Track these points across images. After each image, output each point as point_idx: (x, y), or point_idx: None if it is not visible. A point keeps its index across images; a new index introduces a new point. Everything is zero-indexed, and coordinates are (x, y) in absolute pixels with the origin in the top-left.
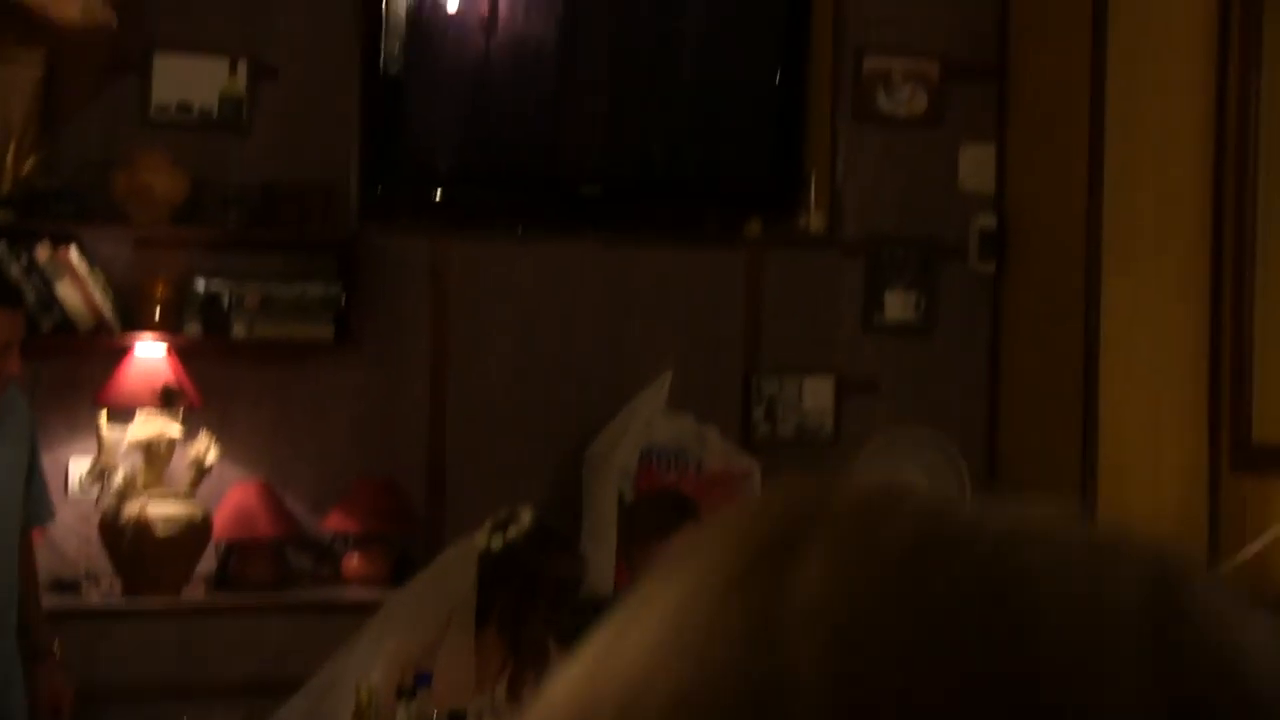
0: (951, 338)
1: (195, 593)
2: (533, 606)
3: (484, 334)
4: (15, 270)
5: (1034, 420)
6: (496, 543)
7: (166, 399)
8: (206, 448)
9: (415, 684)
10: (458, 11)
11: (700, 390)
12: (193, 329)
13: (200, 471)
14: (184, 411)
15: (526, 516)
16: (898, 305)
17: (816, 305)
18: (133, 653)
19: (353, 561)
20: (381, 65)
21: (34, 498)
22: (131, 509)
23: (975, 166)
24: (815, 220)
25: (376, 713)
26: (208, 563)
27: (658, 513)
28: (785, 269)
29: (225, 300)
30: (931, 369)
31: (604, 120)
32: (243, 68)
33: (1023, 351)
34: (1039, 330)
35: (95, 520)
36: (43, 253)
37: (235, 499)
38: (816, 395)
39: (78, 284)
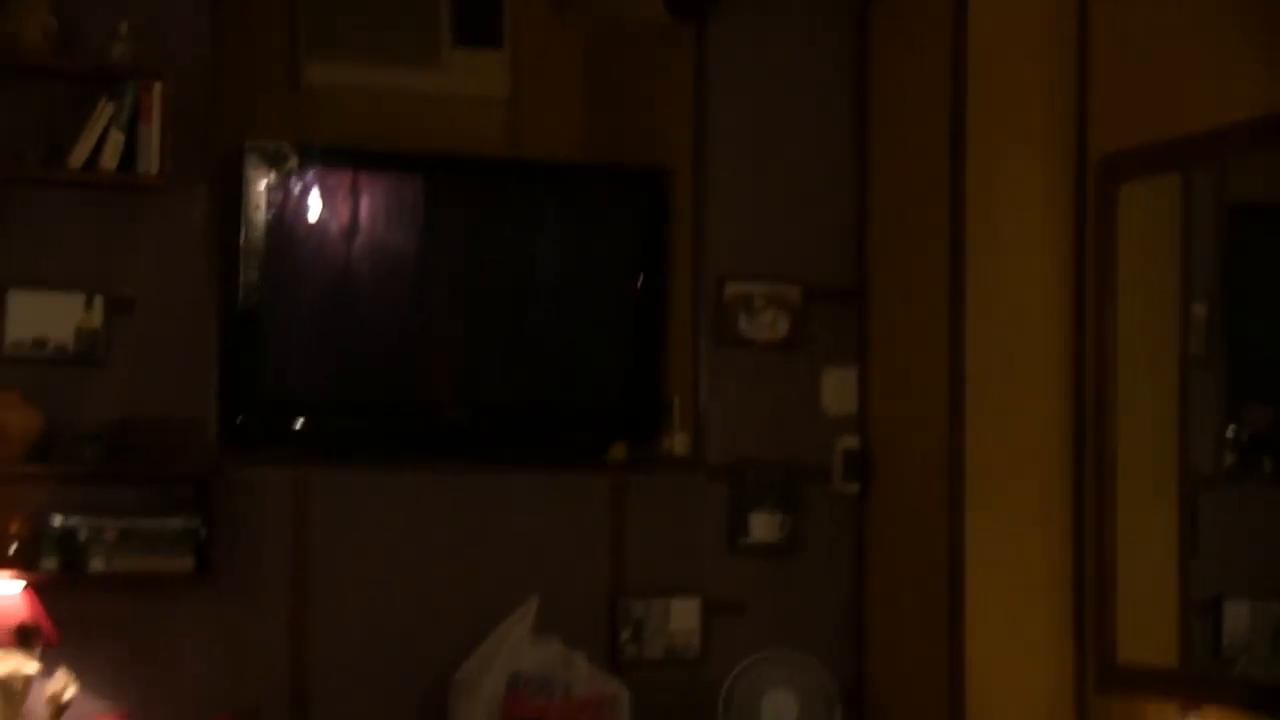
0: (817, 558)
1: None
2: None
3: (346, 562)
4: None
5: (901, 641)
6: None
7: (23, 637)
8: (64, 684)
9: None
10: (314, 241)
11: (567, 614)
12: (49, 564)
13: (59, 708)
14: (41, 649)
15: None
16: (762, 526)
17: (682, 527)
18: None
19: None
20: (239, 296)
21: None
22: None
23: (838, 389)
24: (679, 443)
25: None
26: None
27: None
28: (650, 492)
29: (82, 535)
30: (798, 590)
31: (464, 347)
32: (99, 302)
33: (888, 572)
34: (904, 551)
35: None
36: None
37: None
38: (683, 617)
39: None
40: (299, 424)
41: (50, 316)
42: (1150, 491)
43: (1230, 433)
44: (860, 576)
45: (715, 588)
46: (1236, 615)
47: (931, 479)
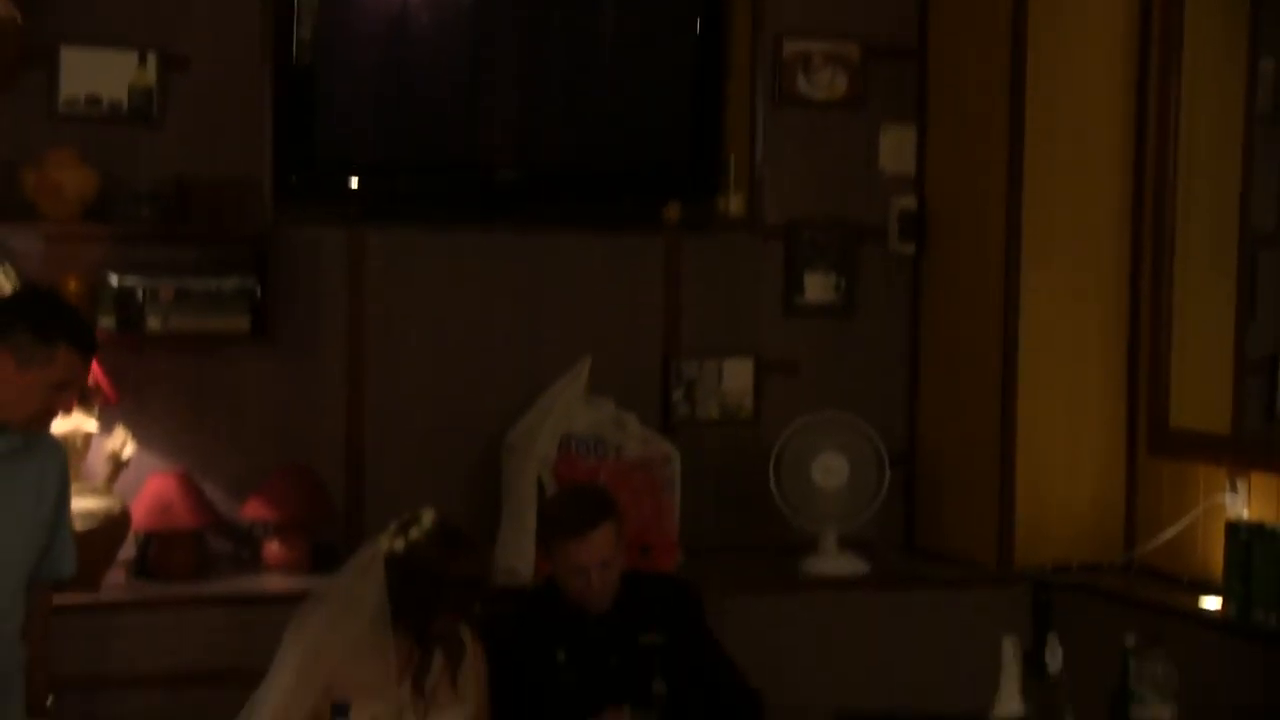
0: (872, 319)
1: (117, 583)
2: (438, 606)
3: (401, 323)
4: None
5: (953, 402)
6: (399, 545)
7: (82, 395)
8: (123, 441)
9: (334, 715)
10: None
11: (620, 375)
12: (106, 323)
13: (117, 465)
14: (99, 406)
15: (428, 518)
16: (818, 287)
17: (736, 288)
18: (54, 647)
19: (272, 548)
20: (294, 53)
21: (55, 552)
22: None
23: (896, 148)
24: (735, 204)
25: None
26: (128, 553)
27: (575, 509)
28: (705, 253)
29: (139, 295)
30: (851, 350)
31: (520, 106)
32: (152, 59)
33: (942, 333)
34: (959, 312)
35: None
36: None
37: (153, 490)
38: (736, 377)
39: None
40: (354, 183)
41: (103, 74)
42: (1209, 251)
43: None
44: (914, 338)
45: (769, 348)
46: None
47: (988, 240)
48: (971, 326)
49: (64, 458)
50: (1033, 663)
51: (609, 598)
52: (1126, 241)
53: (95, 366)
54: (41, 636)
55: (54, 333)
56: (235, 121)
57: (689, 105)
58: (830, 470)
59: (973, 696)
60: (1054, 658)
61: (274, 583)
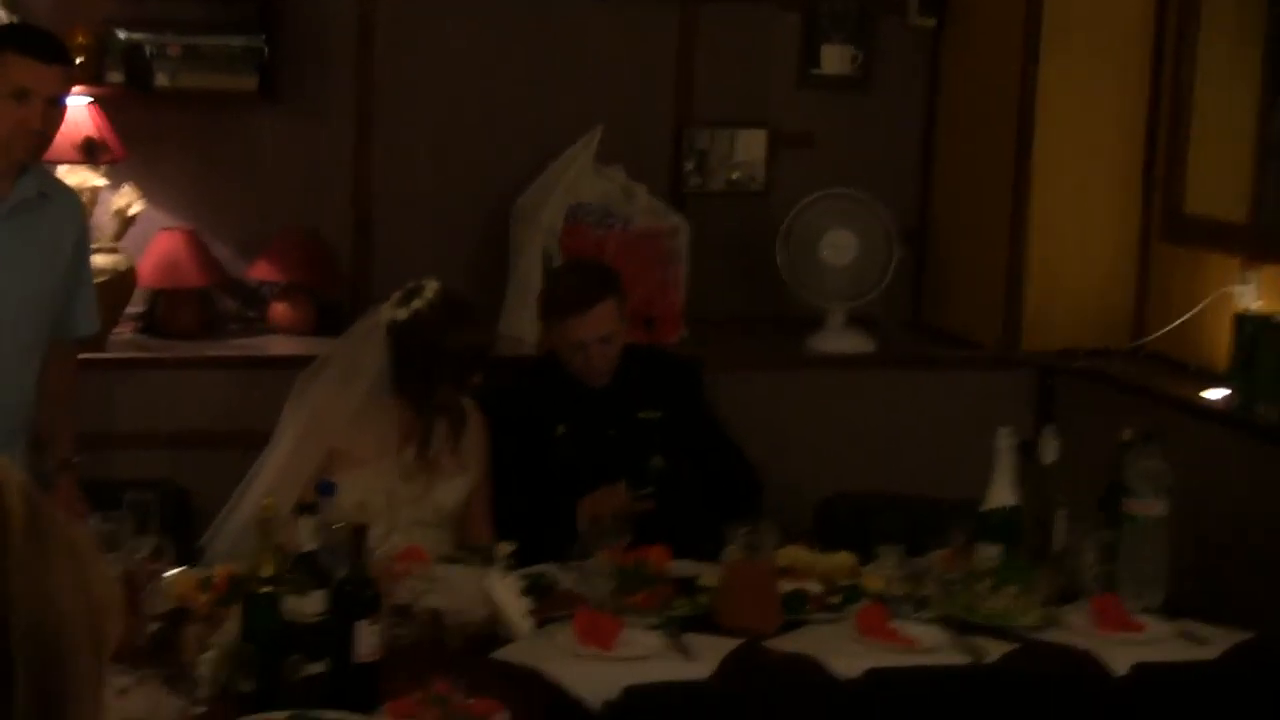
0: (889, 93)
1: (124, 339)
2: (437, 376)
3: (410, 87)
4: None
5: (967, 181)
6: (402, 314)
7: (89, 151)
8: (131, 199)
9: (319, 494)
10: None
11: (630, 145)
12: (115, 78)
13: (125, 221)
14: (107, 163)
15: (432, 288)
16: (834, 59)
17: (751, 58)
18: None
19: (279, 309)
20: None
21: (75, 307)
22: None
23: None
24: None
25: (279, 526)
26: (135, 310)
27: (576, 285)
28: (720, 21)
29: (147, 50)
30: (866, 125)
31: None
32: None
33: (959, 110)
34: (976, 89)
35: None
36: None
37: (161, 247)
38: (749, 149)
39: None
40: None
41: None
42: (1234, 29)
43: None
44: (930, 115)
45: (783, 120)
46: None
47: (1009, 16)
48: (988, 105)
49: (82, 210)
50: (1030, 451)
51: (609, 373)
52: (1151, 19)
53: (98, 119)
54: (69, 392)
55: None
56: None
57: None
58: (839, 246)
59: (971, 482)
60: (1049, 448)
61: (279, 345)
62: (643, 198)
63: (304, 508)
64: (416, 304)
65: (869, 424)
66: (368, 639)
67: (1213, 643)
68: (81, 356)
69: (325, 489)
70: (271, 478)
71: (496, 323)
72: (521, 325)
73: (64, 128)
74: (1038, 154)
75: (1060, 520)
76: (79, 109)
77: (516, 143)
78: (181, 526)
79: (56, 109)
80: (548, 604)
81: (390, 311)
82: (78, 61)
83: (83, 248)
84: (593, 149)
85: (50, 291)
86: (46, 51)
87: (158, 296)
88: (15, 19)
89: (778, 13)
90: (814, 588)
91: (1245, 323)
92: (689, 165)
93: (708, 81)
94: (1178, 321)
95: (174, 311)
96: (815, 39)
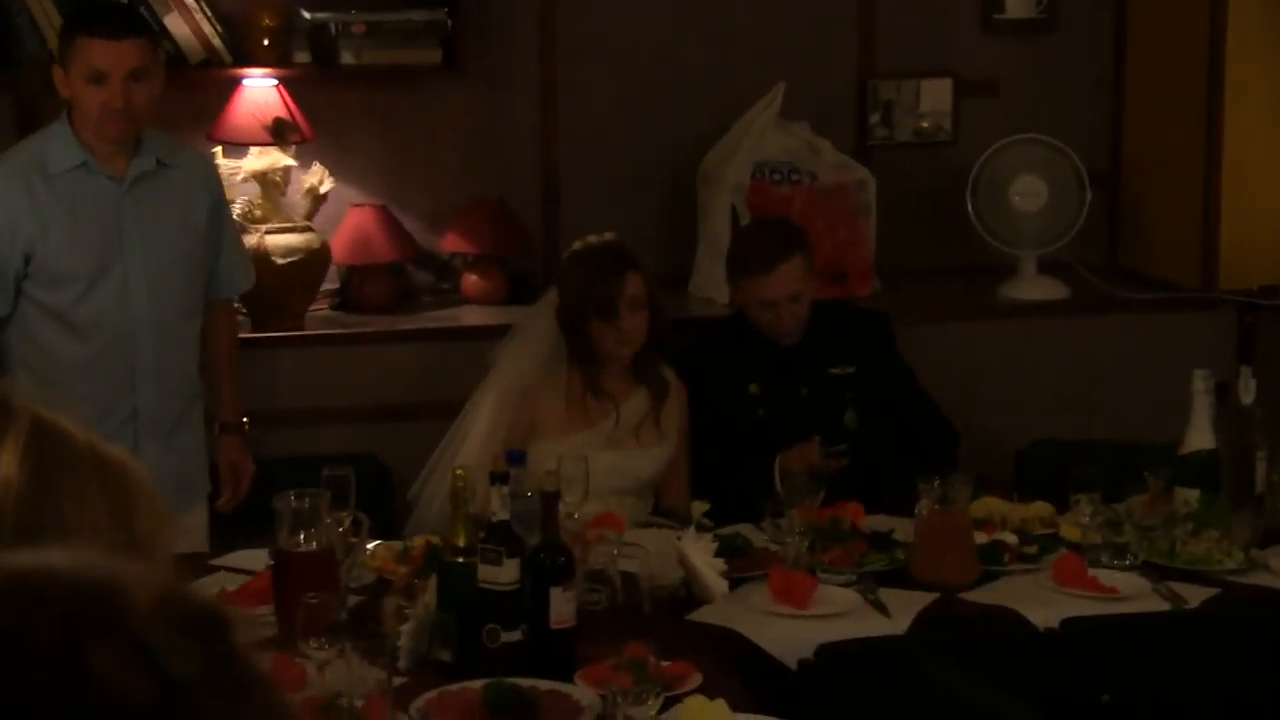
0: (1075, 36)
1: (319, 315)
2: (585, 323)
3: (593, 52)
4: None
5: (1157, 121)
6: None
7: (278, 131)
8: (320, 177)
9: (508, 464)
10: None
11: (813, 100)
12: (301, 58)
13: (316, 200)
14: (296, 143)
15: (583, 241)
16: (1019, 2)
17: (933, 5)
18: (258, 379)
19: (470, 280)
20: None
21: (223, 267)
22: (250, 240)
23: None
24: None
25: (471, 496)
26: (329, 287)
27: (762, 244)
28: None
29: (332, 29)
30: (1054, 70)
31: None
32: None
33: (1147, 50)
34: (1164, 27)
35: None
36: None
37: (353, 223)
38: (934, 98)
39: (186, 15)
40: None
41: None
42: None
43: None
44: (1119, 56)
45: (968, 67)
46: None
47: None
48: (1178, 41)
49: (210, 169)
50: (1228, 393)
51: (799, 330)
52: None
53: (286, 99)
54: (229, 353)
55: (71, 27)
56: None
57: None
58: (1029, 193)
59: (1168, 426)
60: (1248, 389)
61: (472, 315)
62: (828, 152)
63: (496, 477)
64: (571, 251)
65: (1064, 371)
66: (562, 605)
67: None
68: (275, 334)
69: (514, 458)
70: (474, 446)
71: (686, 282)
72: (711, 286)
73: (253, 109)
74: (1229, 89)
75: (1260, 462)
76: (266, 90)
77: (700, 103)
78: (380, 500)
79: (141, 83)
80: (742, 564)
81: (563, 266)
82: (262, 46)
83: (219, 208)
84: (776, 105)
85: (191, 254)
86: (115, 28)
87: (351, 272)
88: (202, 1)
89: None
90: (1010, 538)
91: None
92: (874, 117)
93: (890, 31)
94: None
95: (367, 286)
96: None
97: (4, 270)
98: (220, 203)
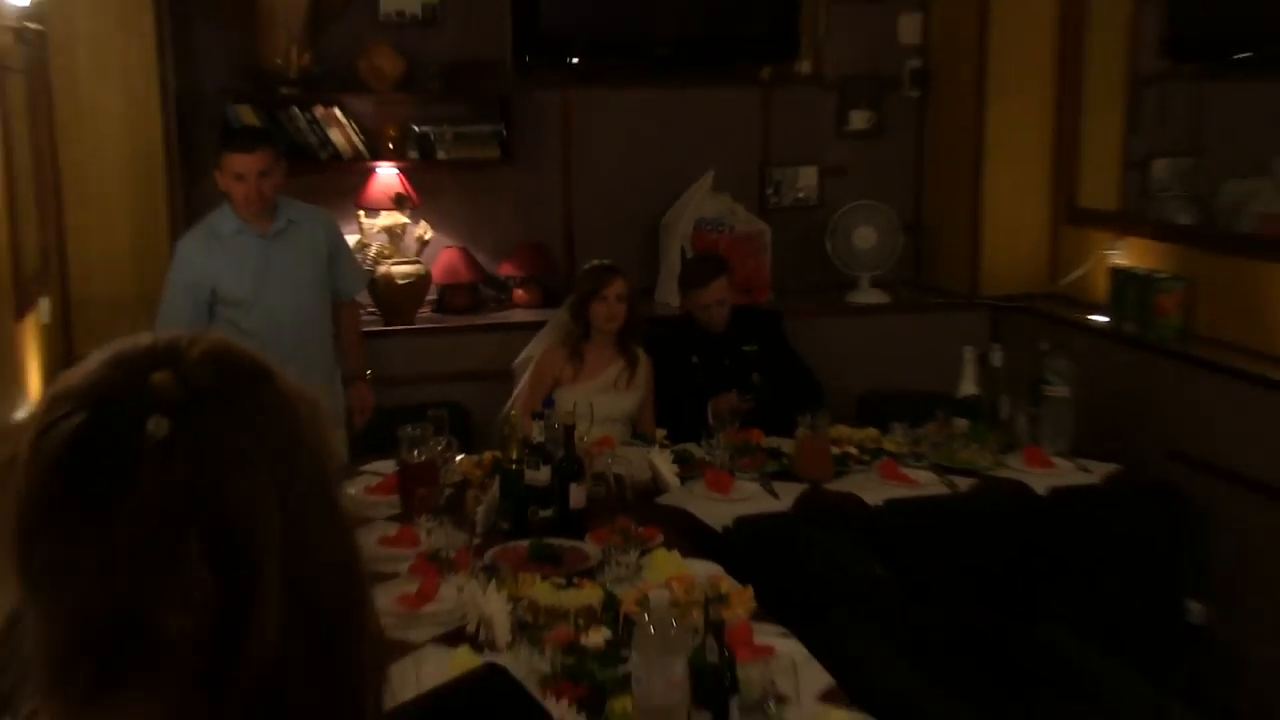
0: (894, 140)
1: (424, 317)
2: (585, 309)
3: (596, 149)
4: (302, 124)
5: (945, 192)
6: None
7: (398, 201)
8: (424, 230)
9: (544, 407)
10: None
11: (733, 179)
12: (412, 155)
13: (422, 243)
14: (410, 209)
15: (590, 263)
16: (859, 119)
17: (807, 120)
18: (387, 359)
19: (519, 294)
20: None
21: (339, 281)
22: (381, 270)
23: (909, 28)
24: (805, 66)
25: (520, 428)
26: (430, 298)
27: (703, 268)
28: (786, 98)
29: (431, 136)
30: (881, 160)
31: (673, 6)
32: None
33: (939, 147)
34: (948, 134)
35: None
36: (319, 111)
37: (445, 259)
38: (806, 179)
39: (341, 130)
40: (569, 60)
41: None
42: (1104, 90)
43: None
44: (920, 152)
45: (827, 159)
46: (1157, 171)
47: (966, 88)
48: (955, 143)
49: (328, 220)
50: (985, 360)
51: (724, 323)
52: (1051, 86)
53: (403, 180)
54: (354, 332)
55: (221, 146)
56: (488, 23)
57: (779, 3)
58: (865, 236)
59: (949, 381)
60: (997, 357)
61: (520, 315)
62: (741, 213)
63: (535, 415)
64: (584, 269)
65: (887, 347)
66: (577, 495)
67: (1096, 472)
68: (397, 328)
69: (548, 403)
70: (523, 395)
71: (652, 294)
72: (668, 295)
73: (380, 185)
74: (986, 171)
75: (1004, 401)
76: (391, 175)
77: (662, 182)
78: (463, 431)
79: (267, 177)
80: (688, 468)
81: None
82: (389, 146)
83: (335, 244)
84: (709, 183)
85: (317, 276)
86: (247, 145)
87: (444, 290)
88: (350, 120)
89: (822, 92)
90: (853, 450)
91: (1117, 274)
92: (770, 190)
93: (779, 137)
94: (1075, 274)
95: (454, 298)
96: (845, 107)
97: (199, 299)
98: (336, 239)
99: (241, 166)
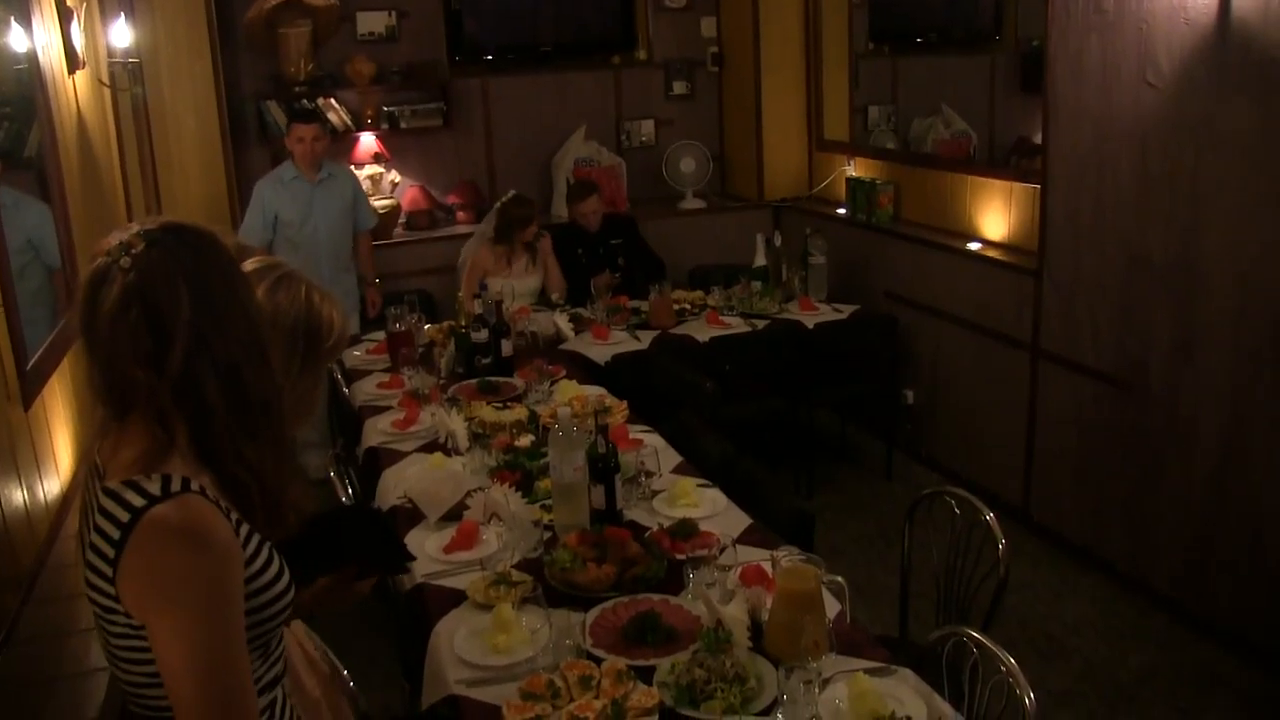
0: (703, 101)
1: (399, 234)
2: (510, 228)
3: (506, 116)
4: (310, 106)
5: (735, 135)
6: (499, 204)
7: (376, 158)
8: (395, 175)
9: (480, 290)
10: None
11: (598, 130)
12: (384, 127)
13: (394, 185)
14: (384, 161)
15: (512, 193)
16: (679, 88)
17: (645, 88)
18: (379, 262)
19: (461, 215)
20: (454, 2)
21: (359, 216)
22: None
23: (708, 26)
24: (642, 54)
25: (465, 305)
26: (401, 220)
27: (581, 189)
28: (631, 77)
29: (397, 114)
30: (696, 114)
31: (554, 15)
32: (394, 13)
33: (732, 105)
34: (738, 95)
35: None
36: (321, 101)
37: (409, 194)
38: (647, 129)
39: (335, 113)
40: (484, 60)
41: (373, 21)
42: (836, 61)
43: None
44: (720, 109)
45: (660, 114)
46: (872, 115)
47: (748, 64)
48: (742, 101)
49: (353, 178)
50: (770, 242)
51: (598, 226)
52: (801, 62)
53: (379, 143)
54: (368, 253)
55: (290, 119)
56: (431, 36)
57: (621, 11)
58: (688, 165)
59: (748, 256)
60: (777, 239)
61: (461, 229)
62: (605, 153)
63: (475, 295)
64: (503, 200)
65: (706, 236)
66: (506, 347)
67: (845, 311)
68: (376, 242)
69: (483, 287)
70: (465, 283)
71: (549, 209)
72: (560, 210)
73: (364, 148)
74: (764, 118)
75: (783, 268)
76: (370, 140)
77: (550, 136)
78: (430, 308)
79: (319, 141)
80: (579, 325)
81: (499, 206)
82: (368, 121)
83: (357, 191)
84: (582, 135)
85: (344, 211)
86: (309, 118)
87: (410, 215)
88: (343, 109)
89: (653, 70)
90: (688, 306)
91: (850, 182)
92: (623, 137)
93: (627, 102)
94: (824, 183)
95: (417, 220)
96: (669, 79)
97: (268, 220)
98: (357, 189)
99: (304, 133)
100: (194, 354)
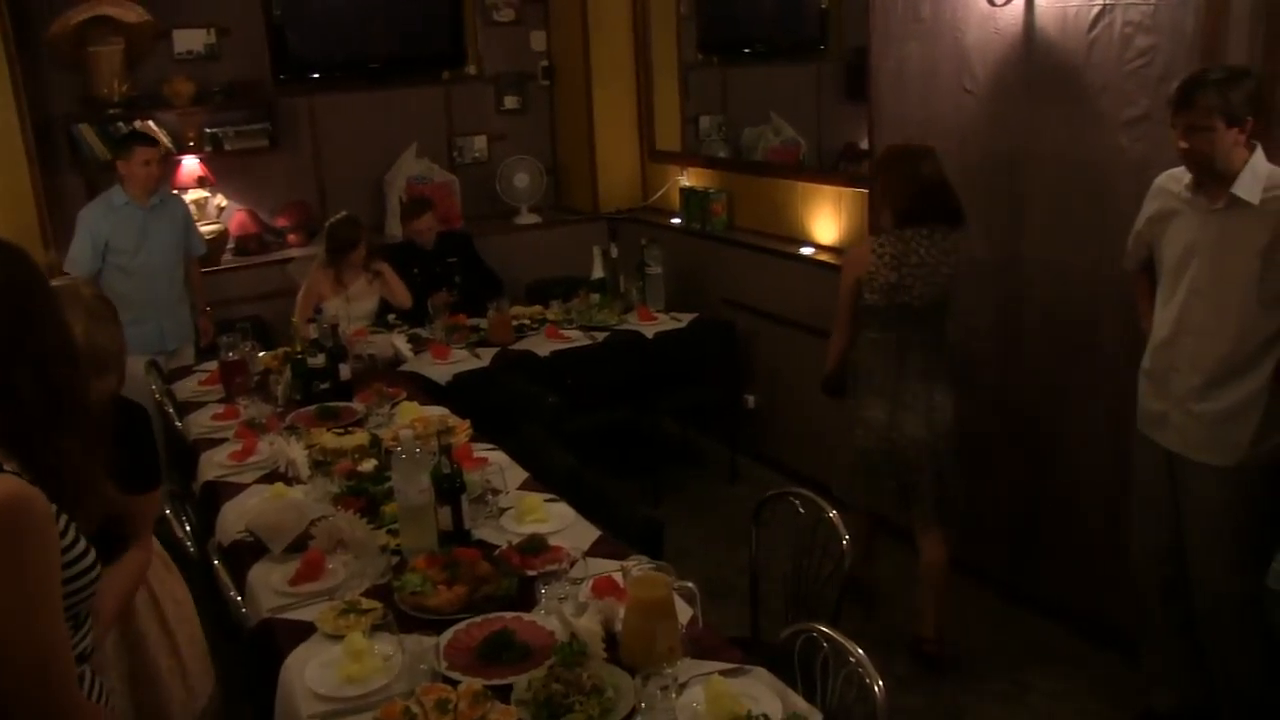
0: (535, 115)
1: (226, 261)
2: (339, 249)
3: (335, 135)
4: (127, 130)
5: (570, 143)
6: (329, 229)
7: (201, 181)
8: (220, 199)
9: (316, 314)
10: None
11: (430, 147)
12: (208, 149)
13: (219, 209)
14: (210, 185)
15: (341, 214)
16: (511, 102)
17: (476, 105)
18: (208, 289)
19: (291, 238)
20: (274, 18)
21: (190, 244)
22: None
23: (538, 40)
24: (472, 69)
25: (301, 330)
26: (229, 246)
27: (415, 207)
28: (461, 92)
29: (220, 134)
30: (530, 128)
31: (382, 31)
32: (213, 30)
33: (566, 118)
34: (570, 108)
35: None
36: (138, 124)
37: (237, 218)
38: (479, 144)
39: (154, 133)
40: (310, 77)
41: (193, 39)
42: (667, 72)
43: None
44: (553, 122)
45: (493, 128)
46: (703, 125)
47: (579, 77)
48: (574, 114)
49: (184, 204)
50: (607, 254)
51: (433, 244)
52: (632, 74)
53: (203, 167)
54: (198, 280)
55: (130, 141)
56: (253, 53)
57: (449, 26)
58: (521, 179)
59: (586, 268)
60: (614, 251)
61: (293, 252)
62: (437, 170)
63: (310, 320)
64: (331, 221)
65: (543, 250)
66: (345, 371)
67: (685, 322)
68: (205, 269)
69: (318, 310)
70: (300, 306)
71: (383, 228)
72: (394, 229)
73: (187, 171)
74: (596, 131)
75: (621, 278)
76: (193, 163)
77: (381, 154)
78: (263, 335)
79: (160, 165)
80: (418, 344)
81: (327, 228)
82: (190, 144)
83: (188, 219)
84: (414, 152)
85: (178, 240)
86: (151, 141)
87: (239, 239)
88: (161, 128)
89: (484, 85)
90: (527, 321)
91: (684, 191)
92: (455, 153)
93: (458, 117)
94: (658, 194)
95: (246, 244)
96: (500, 94)
97: (97, 249)
98: (187, 216)
99: (149, 155)
100: (7, 351)
